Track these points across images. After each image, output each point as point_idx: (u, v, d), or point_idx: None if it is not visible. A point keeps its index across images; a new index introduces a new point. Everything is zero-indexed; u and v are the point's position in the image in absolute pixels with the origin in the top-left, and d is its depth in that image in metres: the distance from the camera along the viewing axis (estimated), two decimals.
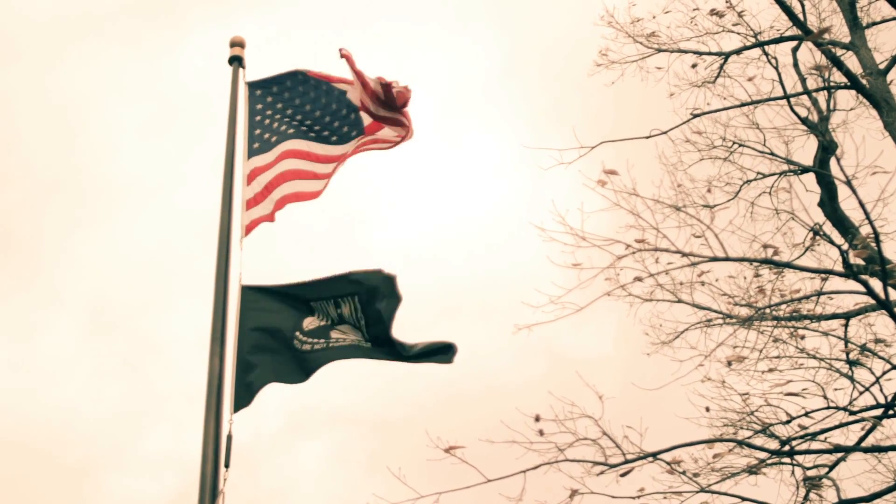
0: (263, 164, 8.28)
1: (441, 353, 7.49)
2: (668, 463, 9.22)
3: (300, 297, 7.56)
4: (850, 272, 8.86)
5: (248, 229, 7.71)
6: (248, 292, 7.35)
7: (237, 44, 8.88)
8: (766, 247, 9.70)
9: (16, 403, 29.36)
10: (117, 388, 31.28)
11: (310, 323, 7.51)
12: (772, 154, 13.69)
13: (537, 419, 8.99)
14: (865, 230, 9.54)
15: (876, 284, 8.92)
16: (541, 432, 9.01)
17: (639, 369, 12.69)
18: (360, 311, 7.49)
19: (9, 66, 33.92)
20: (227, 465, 6.40)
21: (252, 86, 8.84)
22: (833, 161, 13.53)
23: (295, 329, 7.45)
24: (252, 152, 8.33)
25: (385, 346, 7.50)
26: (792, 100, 14.26)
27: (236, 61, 8.81)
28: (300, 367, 7.43)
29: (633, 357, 13.15)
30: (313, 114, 8.72)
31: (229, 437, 6.52)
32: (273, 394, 7.47)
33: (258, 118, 8.61)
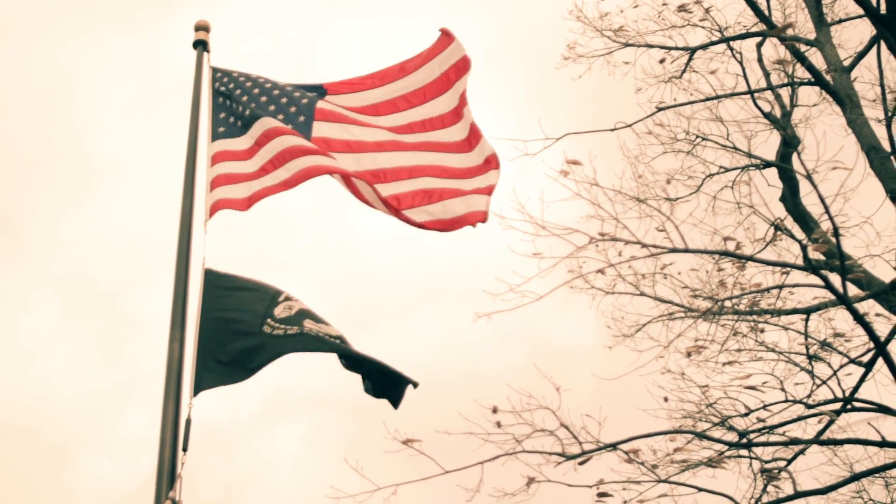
0: (233, 149, 8.19)
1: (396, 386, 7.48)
2: (627, 453, 9.26)
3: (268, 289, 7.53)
4: (810, 267, 8.91)
5: (213, 210, 7.63)
6: (212, 276, 7.30)
7: (202, 28, 8.83)
8: (727, 239, 9.76)
9: None
10: (97, 369, 31.21)
11: (281, 311, 7.46)
12: (734, 148, 13.80)
13: (494, 411, 8.99)
14: (826, 225, 9.60)
15: (835, 279, 8.98)
16: (498, 424, 9.01)
17: (618, 358, 12.73)
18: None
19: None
20: (185, 450, 6.35)
21: (217, 71, 8.80)
22: (795, 156, 13.63)
23: (266, 316, 7.39)
24: (216, 136, 8.27)
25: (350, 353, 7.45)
26: (756, 95, 14.36)
27: (201, 45, 8.76)
28: (269, 351, 7.37)
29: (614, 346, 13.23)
30: (276, 97, 8.62)
31: (188, 422, 6.47)
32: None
33: (221, 100, 8.56)
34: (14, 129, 33.48)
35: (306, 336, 7.24)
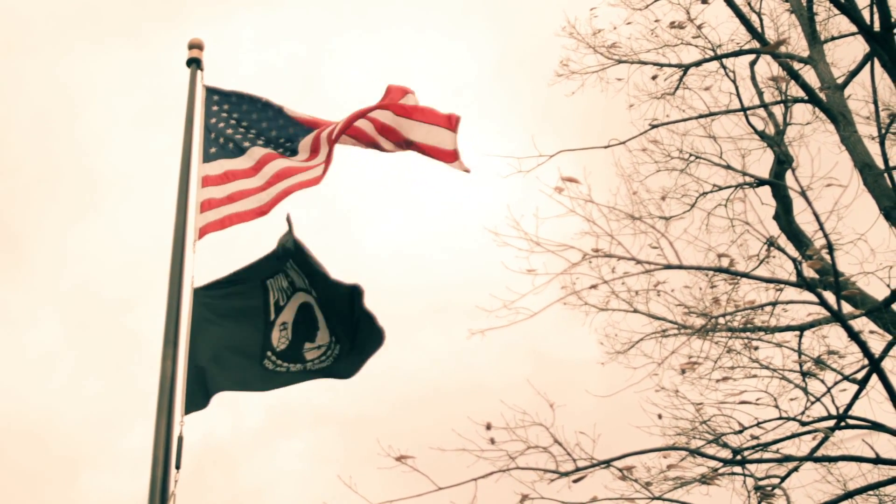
0: (220, 171, 8.23)
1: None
2: (621, 470, 9.24)
3: (254, 288, 7.62)
4: (804, 283, 8.91)
5: (202, 233, 7.66)
6: (202, 294, 7.32)
7: (195, 46, 8.85)
8: (721, 256, 9.75)
9: (3, 394, 29.32)
10: (102, 383, 31.24)
11: (278, 340, 7.55)
12: (728, 166, 13.80)
13: (488, 427, 8.98)
14: (819, 243, 9.60)
15: (829, 296, 8.98)
16: (492, 440, 9.01)
17: (620, 373, 12.72)
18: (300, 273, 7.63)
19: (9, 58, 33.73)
20: (178, 467, 6.37)
21: (211, 91, 8.81)
22: (789, 173, 13.66)
23: (265, 348, 7.48)
24: (208, 157, 8.29)
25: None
26: (749, 113, 14.39)
27: (194, 63, 8.79)
28: (264, 381, 7.48)
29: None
30: (266, 129, 8.66)
31: (180, 439, 6.48)
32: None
33: (213, 120, 8.58)
34: (17, 143, 33.53)
35: (309, 372, 7.47)
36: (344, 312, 7.71)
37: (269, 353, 7.51)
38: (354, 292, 7.62)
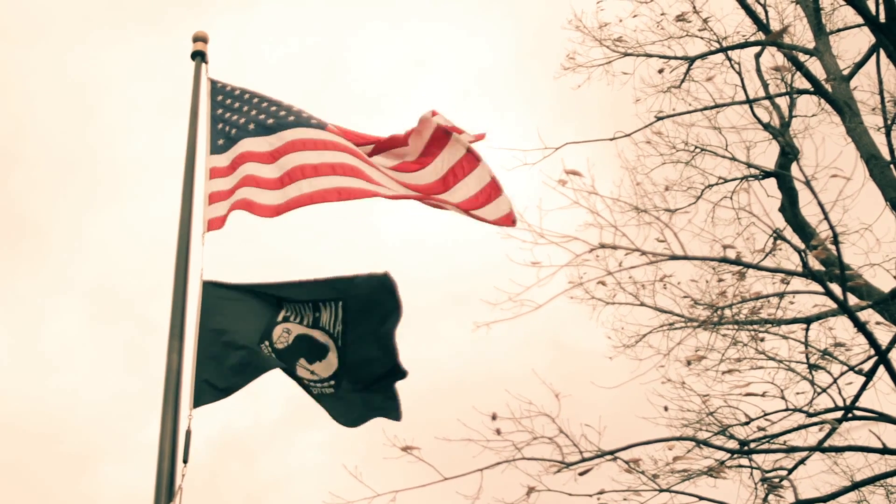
0: (228, 162, 8.20)
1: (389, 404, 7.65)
2: (627, 462, 9.24)
3: (269, 296, 7.58)
4: (809, 274, 8.88)
5: (211, 225, 7.62)
6: (211, 288, 7.29)
7: (200, 39, 8.85)
8: (727, 247, 9.73)
9: (19, 389, 29.25)
10: (121, 375, 31.11)
11: (279, 337, 7.51)
12: (733, 158, 13.80)
13: (494, 418, 8.96)
14: (825, 234, 9.58)
15: (835, 288, 8.95)
16: (498, 431, 8.99)
17: (636, 365, 12.69)
18: (339, 319, 7.55)
19: (28, 47, 33.65)
20: (185, 461, 6.33)
21: (216, 84, 8.81)
22: (794, 164, 13.64)
23: (264, 338, 7.44)
24: (216, 148, 8.27)
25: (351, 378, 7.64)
26: (754, 105, 14.36)
27: (199, 56, 8.79)
28: (262, 365, 7.42)
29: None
30: (275, 109, 8.60)
31: (188, 433, 6.45)
32: (272, 382, 7.52)
33: (220, 111, 8.56)
34: (34, 132, 33.47)
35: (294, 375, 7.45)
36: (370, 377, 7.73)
37: (266, 343, 7.46)
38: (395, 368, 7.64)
